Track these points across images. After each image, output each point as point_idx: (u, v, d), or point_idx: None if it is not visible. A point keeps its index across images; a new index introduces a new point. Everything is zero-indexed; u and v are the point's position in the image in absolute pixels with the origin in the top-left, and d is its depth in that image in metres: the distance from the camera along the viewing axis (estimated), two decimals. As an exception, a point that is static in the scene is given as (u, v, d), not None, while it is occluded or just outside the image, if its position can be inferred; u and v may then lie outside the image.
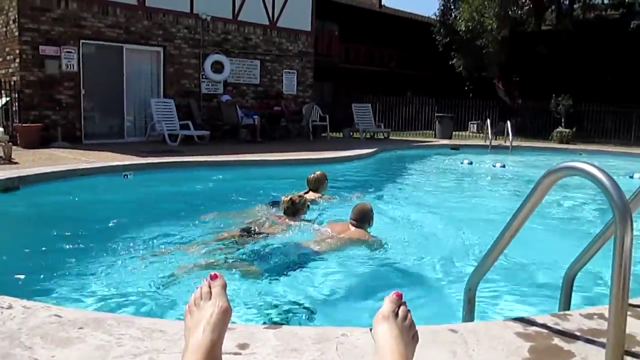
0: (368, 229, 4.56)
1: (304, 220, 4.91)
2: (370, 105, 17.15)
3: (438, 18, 25.28)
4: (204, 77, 13.70)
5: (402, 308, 1.24)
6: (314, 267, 3.98)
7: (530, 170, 11.37)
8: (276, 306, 3.24)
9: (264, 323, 2.98)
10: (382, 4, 28.55)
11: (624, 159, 13.60)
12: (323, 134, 15.78)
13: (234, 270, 3.77)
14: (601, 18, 24.00)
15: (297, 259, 4.06)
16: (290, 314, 3.16)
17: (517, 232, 2.25)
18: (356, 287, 3.77)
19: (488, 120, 15.39)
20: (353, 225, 4.51)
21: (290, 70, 15.68)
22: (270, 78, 15.26)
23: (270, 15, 15.05)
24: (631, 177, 9.70)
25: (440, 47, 24.42)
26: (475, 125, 21.06)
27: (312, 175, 6.04)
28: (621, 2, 21.88)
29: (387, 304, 1.24)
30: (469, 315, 2.49)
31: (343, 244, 4.37)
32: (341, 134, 17.03)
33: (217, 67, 13.84)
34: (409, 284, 3.85)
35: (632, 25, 19.01)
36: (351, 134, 16.74)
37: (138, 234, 4.64)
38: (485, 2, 20.90)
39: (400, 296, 1.25)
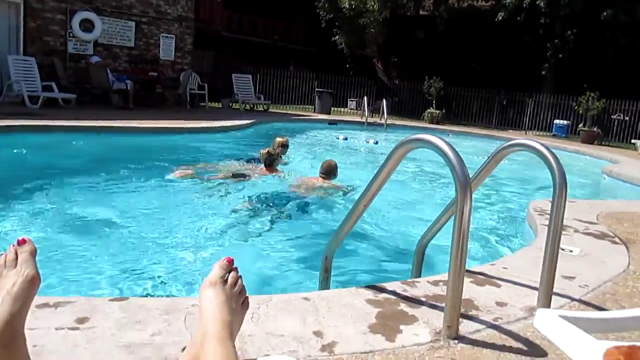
0: (333, 180, 5.65)
1: (278, 170, 6.00)
2: (251, 76, 16.93)
3: (323, -7, 25.26)
4: (71, 35, 12.64)
5: (232, 274, 1.19)
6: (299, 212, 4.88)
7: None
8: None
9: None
10: (269, -27, 28.16)
11: (486, 141, 14.67)
12: (201, 103, 15.32)
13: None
14: (473, 8, 25.50)
15: (285, 203, 4.98)
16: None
17: (372, 201, 2.30)
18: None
19: (365, 98, 15.84)
20: (322, 177, 5.56)
21: (169, 35, 14.95)
22: (147, 42, 14.46)
23: (148, -27, 14.21)
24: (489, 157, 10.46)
25: (324, 23, 24.59)
26: (354, 102, 21.60)
27: (279, 138, 7.04)
28: (491, -7, 23.38)
29: (215, 269, 1.18)
30: (325, 283, 2.54)
31: (318, 189, 5.42)
32: (220, 104, 16.66)
33: (87, 26, 12.82)
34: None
35: (498, 17, 20.40)
36: (230, 104, 16.44)
37: None
38: (369, -18, 21.30)
39: (231, 262, 1.20)
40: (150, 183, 5.43)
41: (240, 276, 1.20)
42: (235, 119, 11.43)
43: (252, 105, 16.34)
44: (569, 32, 19.61)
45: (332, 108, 18.76)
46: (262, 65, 19.57)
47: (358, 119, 16.12)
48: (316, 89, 18.81)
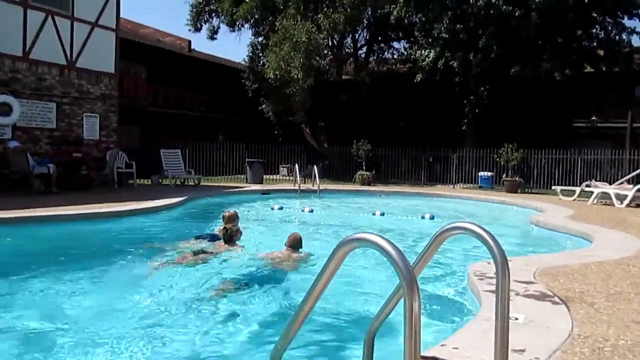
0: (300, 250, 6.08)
1: (238, 245, 6.19)
2: (179, 150, 16.71)
3: (247, 64, 25.58)
4: (-13, 120, 12.15)
5: None
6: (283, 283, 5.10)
7: (335, 213, 11.97)
8: None
9: None
10: (192, 47, 28.47)
11: (417, 199, 15.03)
12: (130, 181, 14.92)
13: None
14: (393, 71, 26.77)
15: (252, 281, 5.02)
16: None
17: (318, 300, 2.22)
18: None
19: (296, 165, 15.93)
20: (289, 250, 5.97)
21: (92, 114, 14.62)
22: (69, 122, 14.05)
23: (68, 54, 13.96)
24: (423, 217, 10.67)
25: (250, 93, 24.88)
26: (285, 169, 21.74)
27: (227, 212, 7.21)
28: (408, 58, 24.70)
29: None
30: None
31: (287, 262, 5.74)
32: (149, 180, 16.29)
33: (4, 109, 12.35)
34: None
35: (417, 78, 21.46)
36: (160, 180, 16.08)
37: None
38: (292, 53, 21.68)
39: None
40: (80, 279, 5.08)
41: None
42: (166, 197, 11.11)
43: (182, 180, 16.07)
44: (482, 89, 20.87)
45: (264, 176, 18.76)
46: (191, 139, 19.44)
47: (291, 186, 16.10)
48: (247, 160, 18.81)
